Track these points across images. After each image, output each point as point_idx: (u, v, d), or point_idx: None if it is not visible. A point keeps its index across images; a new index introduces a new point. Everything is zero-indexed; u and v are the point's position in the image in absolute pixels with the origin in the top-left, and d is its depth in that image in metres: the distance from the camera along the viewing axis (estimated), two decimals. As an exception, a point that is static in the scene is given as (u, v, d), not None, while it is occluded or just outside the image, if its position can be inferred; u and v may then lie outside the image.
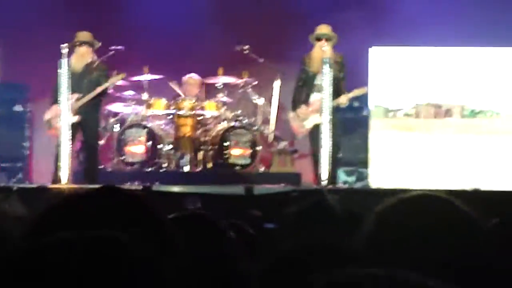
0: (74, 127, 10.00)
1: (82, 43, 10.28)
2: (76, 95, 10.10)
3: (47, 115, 10.42)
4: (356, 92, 10.28)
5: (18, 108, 11.82)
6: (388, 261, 1.78)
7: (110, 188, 1.78)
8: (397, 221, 1.91)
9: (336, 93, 10.16)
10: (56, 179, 9.83)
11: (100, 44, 10.47)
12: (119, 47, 11.56)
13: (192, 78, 11.90)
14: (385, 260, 1.76)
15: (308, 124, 10.21)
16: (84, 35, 10.35)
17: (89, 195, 1.78)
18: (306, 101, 10.31)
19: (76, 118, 10.04)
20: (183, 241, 1.75)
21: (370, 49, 11.62)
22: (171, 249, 1.66)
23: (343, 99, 10.16)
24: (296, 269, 1.94)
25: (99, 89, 10.35)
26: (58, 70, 10.12)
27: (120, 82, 11.46)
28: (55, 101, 10.28)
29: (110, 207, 1.73)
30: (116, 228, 1.47)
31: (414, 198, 1.95)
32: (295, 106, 10.42)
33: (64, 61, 9.93)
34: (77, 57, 10.25)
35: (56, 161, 10.04)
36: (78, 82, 10.11)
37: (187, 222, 2.09)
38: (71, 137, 9.86)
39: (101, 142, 11.62)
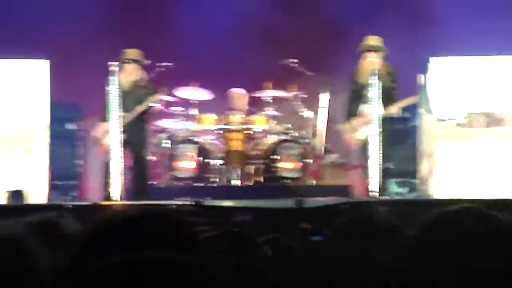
0: (121, 144, 10.07)
1: (129, 61, 10.33)
2: (122, 113, 10.17)
3: (95, 133, 10.52)
4: (406, 102, 10.22)
5: (70, 126, 11.94)
6: (431, 274, 1.76)
7: (150, 213, 1.78)
8: (439, 234, 1.89)
9: (388, 104, 10.13)
10: (107, 196, 9.90)
11: (148, 61, 10.51)
12: (168, 64, 11.66)
13: (238, 91, 11.94)
14: (428, 272, 1.75)
15: (360, 136, 10.16)
16: (132, 53, 10.41)
17: (131, 219, 1.78)
18: (357, 113, 10.28)
19: (122, 136, 10.08)
20: (218, 262, 1.75)
21: (421, 60, 11.56)
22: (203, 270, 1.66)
23: (394, 109, 10.10)
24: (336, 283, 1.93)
25: (140, 108, 10.38)
26: (106, 88, 10.24)
27: (170, 98, 11.54)
28: (103, 118, 10.37)
29: (149, 232, 1.74)
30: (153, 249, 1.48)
31: (455, 212, 1.93)
32: (347, 118, 10.39)
33: (112, 79, 10.01)
34: (125, 74, 10.29)
35: (105, 178, 10.13)
36: (126, 100, 10.18)
37: (223, 241, 2.09)
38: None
39: (152, 158, 11.70)
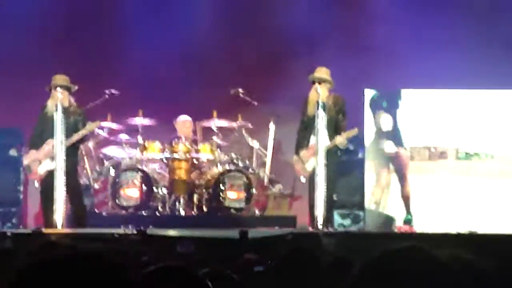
0: (52, 173, 9.86)
1: (58, 86, 10.08)
2: (52, 141, 9.94)
3: (26, 160, 10.34)
4: (349, 133, 10.28)
5: (12, 152, 11.79)
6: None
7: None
8: (381, 271, 1.89)
9: (335, 135, 10.17)
10: (47, 223, 9.75)
11: (76, 87, 10.26)
12: (113, 91, 11.60)
13: (184, 119, 11.90)
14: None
15: (309, 167, 10.18)
16: (60, 79, 10.18)
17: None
18: (307, 144, 10.30)
19: (54, 164, 9.87)
20: None
21: (365, 91, 11.66)
22: None
23: (340, 140, 10.15)
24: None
25: (75, 137, 10.15)
26: (39, 115, 10.14)
27: (114, 126, 11.46)
28: (32, 145, 10.22)
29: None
30: None
31: (396, 250, 1.93)
32: (297, 149, 10.41)
33: (50, 105, 9.94)
34: (53, 100, 10.06)
35: (42, 205, 10.01)
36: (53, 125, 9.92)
37: (163, 276, 2.06)
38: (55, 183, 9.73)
39: (96, 186, 11.60)
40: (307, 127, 10.30)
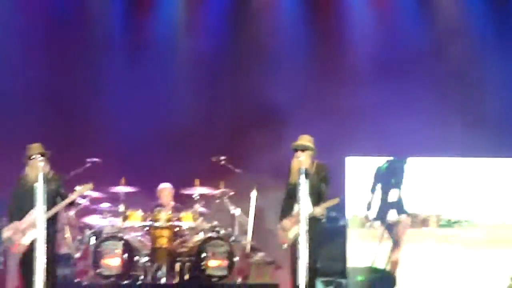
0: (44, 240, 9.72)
1: (36, 155, 10.06)
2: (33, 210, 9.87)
3: (6, 233, 10.24)
4: (329, 203, 10.28)
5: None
6: None
7: None
8: None
9: (316, 203, 10.17)
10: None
11: (49, 153, 10.24)
12: (95, 159, 11.59)
13: (163, 186, 11.92)
14: None
15: (291, 235, 10.16)
16: (37, 147, 10.19)
17: None
18: (290, 212, 10.28)
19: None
20: None
21: (346, 159, 11.72)
22: None
23: (318, 210, 10.14)
24: None
25: (67, 201, 10.15)
26: (17, 186, 10.09)
27: (96, 194, 11.42)
28: (12, 217, 10.15)
29: None
30: None
31: None
32: (281, 217, 10.39)
33: (30, 174, 9.91)
34: (32, 169, 10.03)
35: (25, 276, 9.87)
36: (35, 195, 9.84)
37: None
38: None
39: (77, 255, 11.52)
40: (291, 195, 10.30)
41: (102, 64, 12.90)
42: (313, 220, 10.08)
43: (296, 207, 10.22)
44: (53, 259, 10.09)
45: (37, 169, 9.74)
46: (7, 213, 10.40)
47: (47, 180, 9.96)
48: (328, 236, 10.98)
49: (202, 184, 11.76)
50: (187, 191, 11.81)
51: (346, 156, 11.85)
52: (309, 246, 9.80)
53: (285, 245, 10.33)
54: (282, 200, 10.39)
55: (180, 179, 11.90)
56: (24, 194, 9.96)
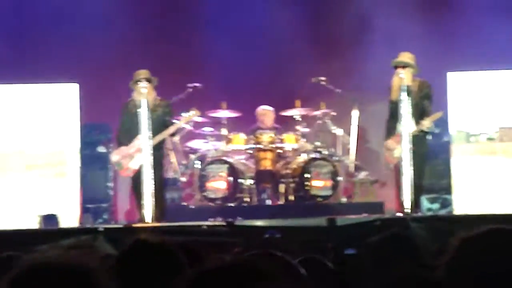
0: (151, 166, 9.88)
1: (141, 80, 10.14)
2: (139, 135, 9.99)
3: (114, 157, 10.44)
4: (434, 116, 10.16)
5: (101, 149, 12.02)
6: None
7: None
8: (476, 253, 1.88)
9: (421, 120, 10.09)
10: (140, 219, 9.83)
11: (157, 80, 10.32)
12: (197, 84, 11.70)
13: (264, 108, 11.95)
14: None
15: (397, 154, 10.09)
16: (142, 73, 10.26)
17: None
18: (394, 132, 10.21)
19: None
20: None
21: (448, 74, 11.53)
22: None
23: (426, 124, 10.04)
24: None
25: (173, 127, 10.31)
26: (125, 111, 10.25)
27: (199, 119, 11.55)
28: (121, 141, 10.34)
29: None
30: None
31: (492, 232, 1.91)
32: (387, 137, 10.34)
33: (135, 100, 10.04)
34: (138, 95, 10.11)
35: (136, 201, 10.06)
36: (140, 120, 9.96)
37: (258, 261, 2.07)
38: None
39: (183, 179, 11.73)
40: (393, 114, 10.21)
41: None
42: (417, 138, 10.01)
43: (399, 126, 10.15)
44: (161, 183, 10.31)
45: (142, 95, 9.89)
46: (116, 137, 10.64)
47: (153, 107, 10.15)
48: (432, 152, 10.88)
49: (303, 105, 11.76)
50: (288, 113, 11.83)
51: (448, 71, 11.64)
52: (414, 163, 9.76)
53: (391, 165, 10.30)
54: (386, 120, 10.31)
55: (281, 101, 11.92)
56: (131, 119, 10.14)
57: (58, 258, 1.94)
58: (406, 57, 10.22)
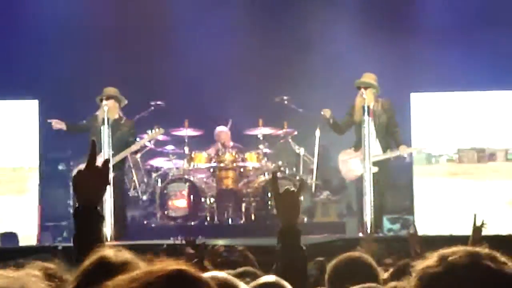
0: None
1: (108, 98, 10.13)
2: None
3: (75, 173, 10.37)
4: (416, 149, 10.33)
5: (61, 166, 11.92)
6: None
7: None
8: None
9: (390, 140, 10.19)
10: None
11: (126, 101, 10.34)
12: (159, 102, 11.66)
13: (221, 130, 11.94)
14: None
15: (359, 172, 10.11)
16: (110, 90, 10.25)
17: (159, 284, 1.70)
18: (356, 146, 10.27)
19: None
20: None
21: (411, 95, 11.60)
22: None
23: (405, 151, 10.20)
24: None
25: (135, 146, 10.26)
26: (90, 126, 10.21)
27: (161, 137, 11.50)
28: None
29: None
30: None
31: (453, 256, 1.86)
32: (335, 129, 10.46)
33: (99, 117, 9.99)
34: (101, 112, 10.08)
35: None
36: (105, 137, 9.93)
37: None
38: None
39: (145, 197, 11.66)
40: (356, 132, 10.27)
41: (166, 8, 12.89)
42: (385, 160, 10.09)
43: (359, 145, 10.18)
44: (122, 201, 10.24)
45: (103, 112, 9.84)
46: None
47: (117, 125, 10.09)
48: (394, 173, 10.93)
49: (265, 124, 11.75)
50: (251, 132, 11.82)
51: (412, 92, 11.72)
52: (377, 184, 9.78)
53: (347, 181, 10.35)
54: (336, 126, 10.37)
55: (243, 119, 11.91)
56: (94, 136, 10.05)
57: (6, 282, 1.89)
58: (369, 77, 10.29)
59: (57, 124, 10.40)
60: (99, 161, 2.84)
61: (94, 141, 3.07)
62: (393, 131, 10.30)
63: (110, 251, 2.11)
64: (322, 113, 10.32)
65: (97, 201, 2.82)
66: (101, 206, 2.93)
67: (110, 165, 9.64)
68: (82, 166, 9.35)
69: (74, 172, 10.31)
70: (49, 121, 10.43)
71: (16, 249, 9.43)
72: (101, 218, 2.82)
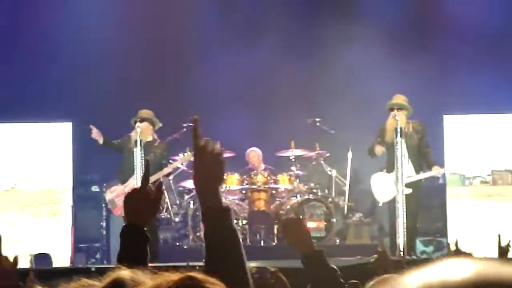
0: None
1: (142, 120, 10.23)
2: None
3: (108, 196, 10.46)
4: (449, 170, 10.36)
5: (94, 188, 11.99)
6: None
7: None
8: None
9: (425, 163, 10.17)
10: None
11: (161, 124, 10.43)
12: (191, 124, 11.70)
13: (253, 150, 11.95)
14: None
15: (392, 195, 10.09)
16: (144, 112, 10.35)
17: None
18: (388, 168, 10.27)
19: None
20: None
21: (444, 117, 11.56)
22: None
23: (437, 171, 10.17)
24: None
25: (168, 169, 10.34)
26: (124, 148, 10.29)
27: (193, 159, 11.51)
28: (119, 179, 10.38)
29: None
30: None
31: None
32: (370, 152, 10.45)
33: (132, 139, 10.06)
34: (135, 134, 10.17)
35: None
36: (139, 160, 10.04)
37: None
38: None
39: (177, 219, 11.67)
40: (389, 153, 10.27)
41: (199, 28, 12.98)
42: (418, 182, 10.06)
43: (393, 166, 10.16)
44: (154, 223, 10.29)
45: (136, 134, 9.93)
46: (117, 174, 10.61)
47: (150, 147, 10.18)
48: (427, 195, 10.88)
49: (297, 146, 11.75)
50: (283, 153, 11.82)
51: (445, 114, 11.69)
52: (409, 205, 9.75)
53: (380, 203, 10.32)
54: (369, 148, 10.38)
55: (276, 141, 11.91)
56: (127, 157, 10.14)
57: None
58: (400, 99, 10.28)
59: (96, 134, 10.46)
60: (132, 184, 2.87)
61: (148, 161, 3.09)
62: (425, 152, 10.28)
63: (125, 272, 2.11)
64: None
65: (145, 222, 2.83)
66: (149, 229, 2.95)
67: (164, 191, 9.75)
68: (114, 188, 9.39)
69: (107, 194, 10.45)
70: (91, 126, 10.48)
71: (50, 270, 9.48)
72: (147, 239, 2.83)
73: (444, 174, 10.85)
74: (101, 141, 10.48)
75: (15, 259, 2.88)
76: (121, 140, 10.50)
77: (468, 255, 4.93)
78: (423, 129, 10.35)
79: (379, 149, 10.29)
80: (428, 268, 0.72)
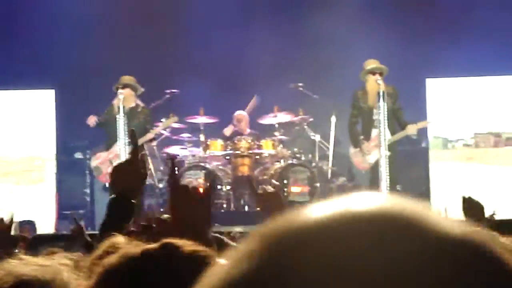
0: None
1: (124, 86, 10.20)
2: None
3: (94, 162, 10.47)
4: (421, 124, 10.25)
5: (78, 155, 11.97)
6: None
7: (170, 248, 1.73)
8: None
9: (398, 125, 10.15)
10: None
11: (143, 89, 10.40)
12: (174, 91, 11.68)
13: (241, 114, 11.95)
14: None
15: (372, 159, 10.14)
16: (126, 79, 10.31)
17: (148, 255, 1.74)
18: (367, 137, 10.26)
19: None
20: None
21: (426, 80, 11.57)
22: None
23: (412, 129, 10.11)
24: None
25: (150, 135, 10.32)
26: (106, 115, 10.27)
27: (176, 125, 11.53)
28: (106, 147, 10.38)
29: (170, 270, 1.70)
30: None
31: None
32: (355, 142, 10.39)
33: (115, 105, 10.04)
34: (117, 101, 10.15)
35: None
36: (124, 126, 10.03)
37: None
38: None
39: (160, 185, 11.69)
40: (364, 119, 10.27)
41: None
42: (395, 143, 10.06)
43: (373, 132, 10.18)
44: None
45: (119, 100, 9.92)
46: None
47: (133, 113, 10.16)
48: (410, 158, 10.92)
49: (280, 111, 11.75)
50: (266, 119, 11.82)
51: (427, 77, 11.70)
52: (390, 169, 9.79)
53: (363, 170, 10.35)
54: (349, 124, 10.36)
55: (259, 107, 11.92)
56: (111, 124, 10.14)
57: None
58: (377, 63, 10.29)
59: (92, 120, 10.46)
60: (116, 151, 2.87)
61: (133, 131, 3.07)
62: (398, 113, 10.27)
63: (121, 239, 2.13)
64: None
65: (134, 197, 2.83)
66: (137, 201, 2.95)
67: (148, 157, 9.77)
68: (99, 155, 9.43)
69: (92, 161, 10.45)
70: (87, 122, 10.47)
71: (35, 237, 9.48)
72: (133, 211, 2.83)
73: (418, 131, 10.76)
74: (94, 123, 10.46)
75: (10, 219, 2.90)
76: (107, 111, 10.47)
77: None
78: (395, 92, 10.36)
79: (365, 147, 10.27)
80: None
